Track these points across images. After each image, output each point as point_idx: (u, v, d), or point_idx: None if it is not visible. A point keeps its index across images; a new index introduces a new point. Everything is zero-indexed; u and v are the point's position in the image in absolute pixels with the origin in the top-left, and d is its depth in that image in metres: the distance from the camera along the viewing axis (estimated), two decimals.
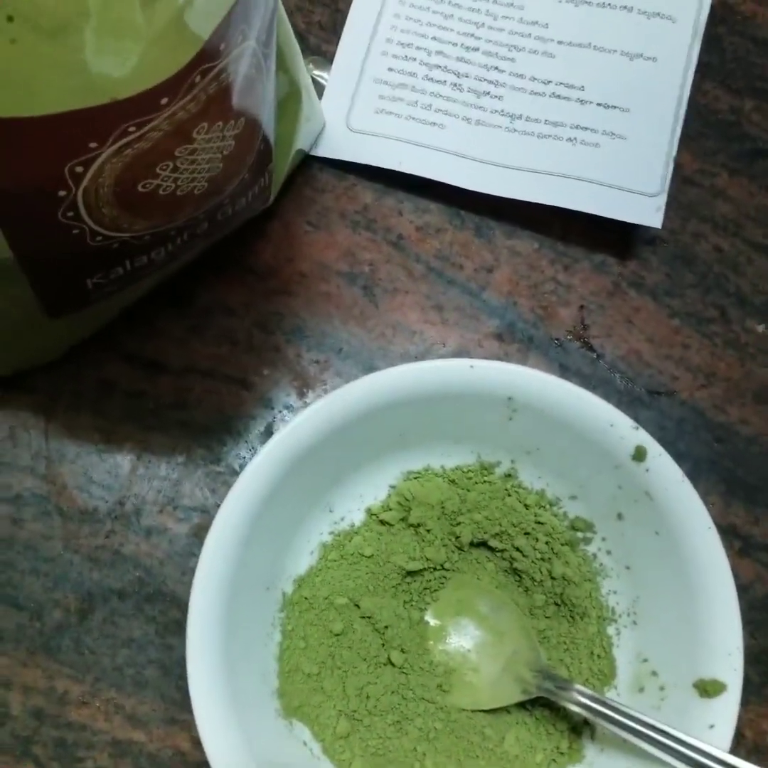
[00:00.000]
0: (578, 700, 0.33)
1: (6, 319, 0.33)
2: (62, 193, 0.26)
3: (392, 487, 0.38)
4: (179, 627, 0.37)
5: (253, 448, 0.40)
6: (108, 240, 0.30)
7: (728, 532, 0.40)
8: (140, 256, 0.33)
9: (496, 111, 0.44)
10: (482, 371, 0.35)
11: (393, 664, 0.35)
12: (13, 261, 0.29)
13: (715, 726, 0.32)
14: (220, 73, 0.26)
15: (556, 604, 0.36)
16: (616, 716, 0.32)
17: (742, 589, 0.39)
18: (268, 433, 0.40)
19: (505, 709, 0.35)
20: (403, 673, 0.35)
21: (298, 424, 0.34)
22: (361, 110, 0.44)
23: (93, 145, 0.24)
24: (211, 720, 0.31)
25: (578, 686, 0.33)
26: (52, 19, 0.20)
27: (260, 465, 0.33)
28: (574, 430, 0.35)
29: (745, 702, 0.38)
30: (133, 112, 0.24)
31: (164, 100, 0.24)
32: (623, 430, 0.34)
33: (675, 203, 0.45)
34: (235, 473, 0.39)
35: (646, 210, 0.42)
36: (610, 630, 0.36)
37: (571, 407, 0.34)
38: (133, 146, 0.25)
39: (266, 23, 0.29)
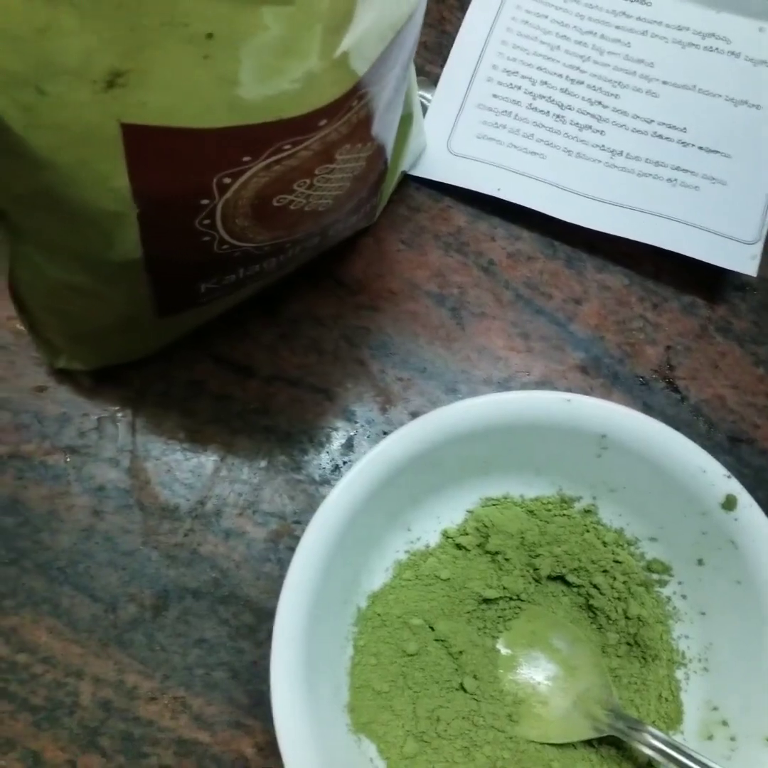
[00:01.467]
0: (650, 742, 0.33)
1: (115, 314, 0.34)
2: (205, 201, 0.26)
3: (469, 511, 0.38)
4: (251, 631, 0.38)
5: (333, 459, 0.40)
6: (232, 249, 0.30)
7: None
8: (254, 265, 0.33)
9: (597, 145, 0.44)
10: (579, 406, 0.35)
11: (465, 690, 0.35)
12: (140, 262, 0.29)
13: None
14: (373, 97, 0.26)
15: (628, 644, 0.36)
16: (689, 763, 0.32)
17: None
18: (349, 445, 0.41)
19: (572, 745, 0.35)
20: (474, 699, 0.35)
21: (391, 443, 0.34)
22: (462, 134, 0.44)
23: (247, 158, 0.25)
24: (289, 726, 0.31)
25: (651, 729, 0.33)
26: (246, 40, 0.20)
27: (352, 481, 0.34)
28: (664, 472, 0.35)
29: None
30: (293, 131, 0.24)
31: (323, 122, 0.25)
32: (715, 477, 0.34)
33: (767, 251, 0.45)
34: (314, 482, 0.40)
35: (741, 257, 0.42)
36: (679, 674, 0.36)
37: (664, 449, 0.34)
38: (282, 163, 0.26)
39: (410, 49, 0.29)
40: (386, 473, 0.34)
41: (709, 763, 0.32)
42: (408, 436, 0.34)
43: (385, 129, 0.31)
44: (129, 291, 0.31)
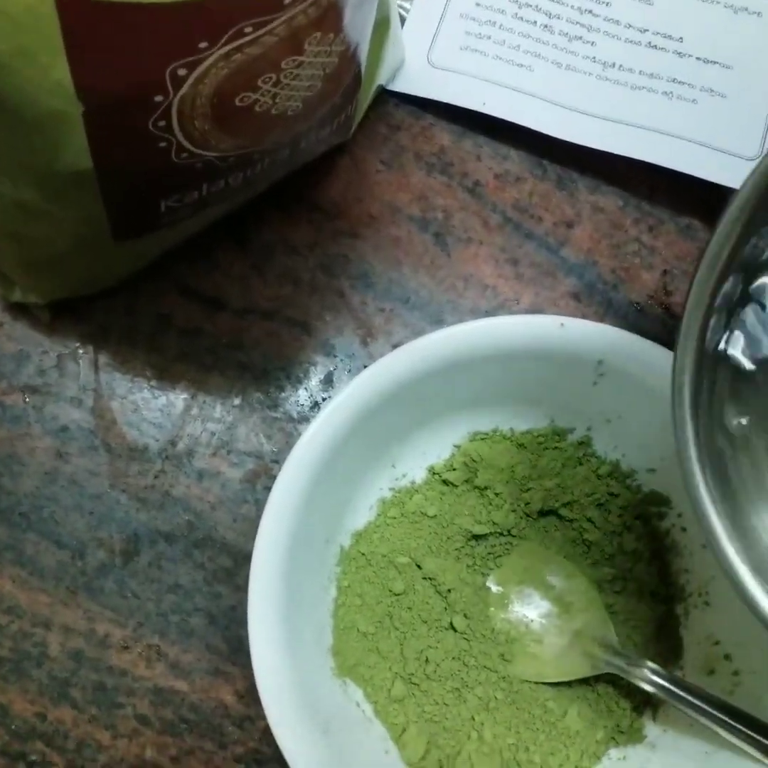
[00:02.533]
0: (650, 678, 0.31)
1: (69, 237, 0.31)
2: (159, 98, 0.24)
3: (457, 446, 0.36)
4: (229, 575, 0.36)
5: (312, 395, 0.38)
6: (192, 158, 0.27)
7: None
8: (218, 180, 0.30)
9: (587, 57, 0.41)
10: (574, 331, 0.32)
11: (455, 629, 0.34)
12: (91, 173, 0.26)
13: None
14: None
15: (624, 579, 0.35)
16: (691, 698, 0.30)
17: None
18: (329, 381, 0.38)
19: (568, 684, 0.34)
20: (465, 639, 0.34)
21: (372, 375, 0.32)
22: (444, 45, 0.41)
23: (204, 44, 0.22)
24: (269, 671, 0.30)
25: (651, 664, 0.32)
26: None
27: (331, 416, 0.31)
28: (665, 399, 0.33)
29: None
30: (255, 9, 0.21)
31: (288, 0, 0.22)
32: None
33: None
34: (292, 420, 0.37)
35: (742, 173, 0.39)
36: (679, 609, 0.35)
37: (666, 374, 0.32)
38: (243, 51, 0.23)
39: None
40: (367, 407, 0.32)
41: (712, 697, 0.30)
42: (390, 368, 0.32)
43: (358, 24, 0.28)
44: (82, 209, 0.29)
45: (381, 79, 0.38)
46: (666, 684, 0.31)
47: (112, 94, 0.23)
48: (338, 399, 0.31)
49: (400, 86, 0.41)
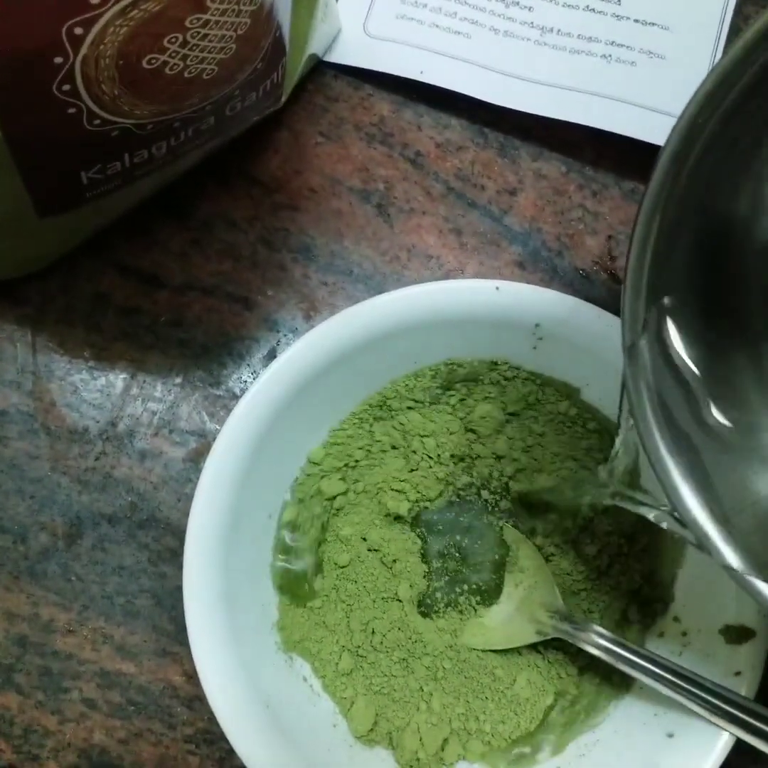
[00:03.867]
0: (597, 642, 0.31)
1: None
2: (59, 59, 0.23)
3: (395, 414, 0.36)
4: (173, 555, 0.35)
5: (255, 371, 0.37)
6: (107, 125, 0.27)
7: None
8: (140, 150, 0.30)
9: (525, 22, 0.41)
10: (509, 294, 0.32)
11: (400, 600, 0.33)
12: (2, 146, 0.26)
13: (741, 673, 0.30)
14: None
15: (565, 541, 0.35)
16: (638, 660, 0.30)
17: None
18: (272, 356, 0.38)
19: (517, 651, 0.33)
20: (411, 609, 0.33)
21: (304, 346, 0.32)
22: (380, 15, 0.41)
23: (95, 1, 0.21)
24: (209, 652, 0.29)
25: (597, 628, 0.31)
26: None
27: (263, 388, 0.31)
28: (604, 360, 0.33)
29: None
30: None
31: None
32: None
33: None
34: (236, 397, 0.37)
35: None
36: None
37: (603, 335, 0.32)
38: (140, 6, 0.22)
39: None
40: (301, 378, 0.32)
41: (659, 659, 0.30)
42: (323, 337, 0.32)
43: None
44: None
45: (314, 48, 0.38)
46: (611, 646, 0.31)
47: (10, 54, 0.22)
48: (271, 369, 0.31)
49: (337, 57, 0.40)
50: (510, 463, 0.34)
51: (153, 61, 0.25)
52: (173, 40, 0.25)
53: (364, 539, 0.34)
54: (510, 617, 0.33)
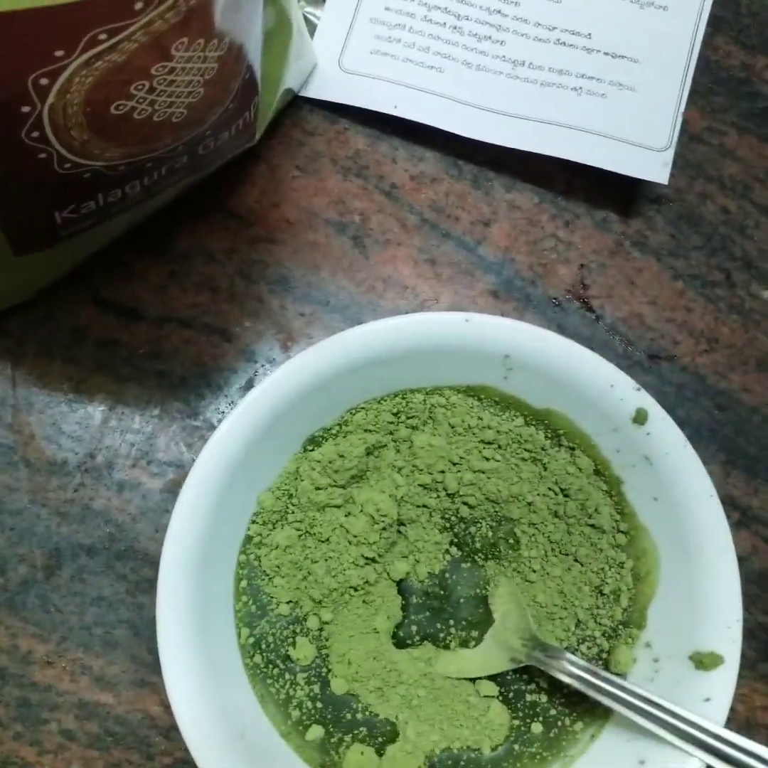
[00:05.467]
0: (569, 670, 0.31)
1: None
2: (26, 109, 0.24)
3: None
4: (151, 586, 0.36)
5: (232, 402, 0.38)
6: (78, 168, 0.27)
7: (726, 503, 0.38)
8: (114, 190, 0.31)
9: (497, 56, 0.41)
10: (478, 326, 0.33)
11: (376, 631, 0.33)
12: None
13: (710, 699, 0.30)
14: None
15: (547, 572, 0.35)
16: (609, 688, 0.30)
17: (739, 562, 0.38)
18: (249, 387, 0.38)
19: (491, 678, 0.34)
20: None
21: (280, 377, 0.32)
22: (355, 50, 0.42)
23: (60, 53, 0.22)
24: (181, 682, 0.29)
25: (569, 656, 0.32)
26: None
27: (239, 419, 0.31)
28: (572, 390, 0.33)
29: (738, 677, 0.37)
30: (105, 16, 0.21)
31: (139, 5, 0.22)
32: (624, 391, 0.33)
33: (682, 161, 0.43)
34: (213, 428, 0.37)
35: (653, 165, 0.40)
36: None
37: (570, 367, 0.33)
38: (104, 58, 0.23)
39: None
40: (277, 408, 0.32)
41: (630, 687, 0.31)
42: (298, 370, 0.32)
43: (238, 28, 0.28)
44: None
45: (288, 83, 0.38)
46: (583, 674, 0.31)
47: None
48: (247, 399, 0.31)
49: (313, 92, 0.41)
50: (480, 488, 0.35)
51: (121, 107, 0.26)
52: (140, 87, 0.25)
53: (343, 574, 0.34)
54: (483, 645, 0.34)
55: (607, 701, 0.31)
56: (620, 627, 0.34)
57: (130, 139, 0.28)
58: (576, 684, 0.31)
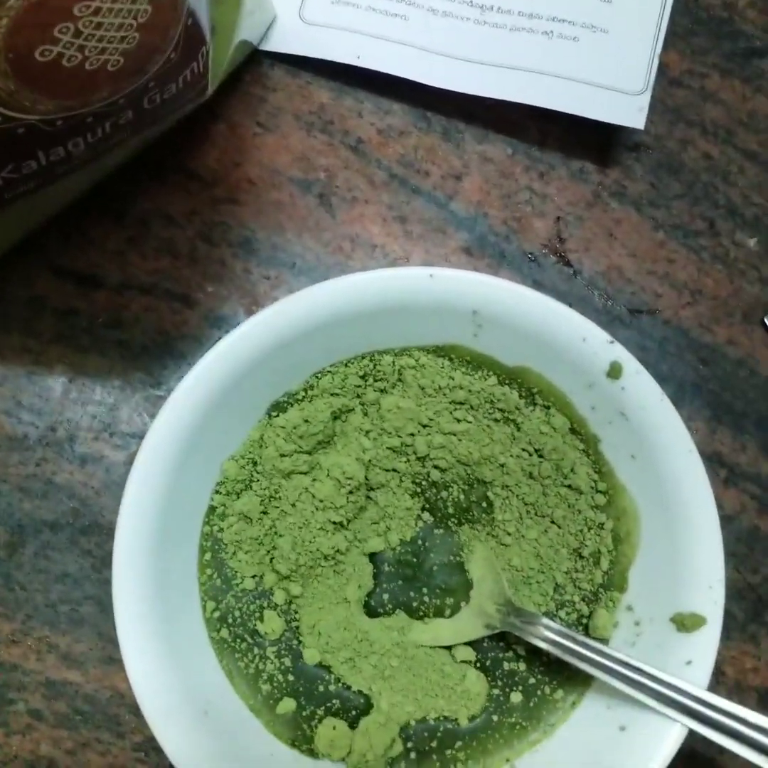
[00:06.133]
0: (546, 635, 0.30)
1: None
2: None
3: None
4: None
5: None
6: (10, 122, 0.26)
7: (713, 460, 0.37)
8: (55, 147, 0.29)
9: (464, 2, 0.39)
10: (444, 281, 0.31)
11: (347, 601, 0.32)
12: None
13: (692, 662, 0.29)
14: None
15: (522, 535, 0.34)
16: (587, 653, 0.29)
17: (727, 520, 0.37)
18: None
19: (466, 645, 0.32)
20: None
21: (239, 337, 0.31)
22: (315, 1, 0.40)
23: None
24: (141, 659, 0.28)
25: (545, 620, 0.30)
26: None
27: (195, 382, 0.30)
28: (544, 346, 0.32)
29: (727, 638, 0.36)
30: None
31: None
32: (597, 345, 0.31)
33: (661, 107, 0.41)
34: None
35: (628, 110, 0.38)
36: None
37: (541, 320, 0.31)
38: None
39: None
40: (235, 371, 0.31)
41: (608, 651, 0.29)
42: (255, 330, 0.31)
43: None
44: None
45: (244, 36, 0.37)
46: (560, 639, 0.30)
47: None
48: (203, 362, 0.30)
49: (273, 45, 0.39)
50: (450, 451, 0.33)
51: (46, 53, 0.24)
52: (64, 30, 0.24)
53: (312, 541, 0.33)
54: (458, 612, 0.33)
55: (585, 667, 0.29)
56: (600, 590, 0.33)
57: (62, 90, 0.26)
58: (553, 650, 0.30)
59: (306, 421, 0.32)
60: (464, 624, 0.32)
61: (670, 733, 0.29)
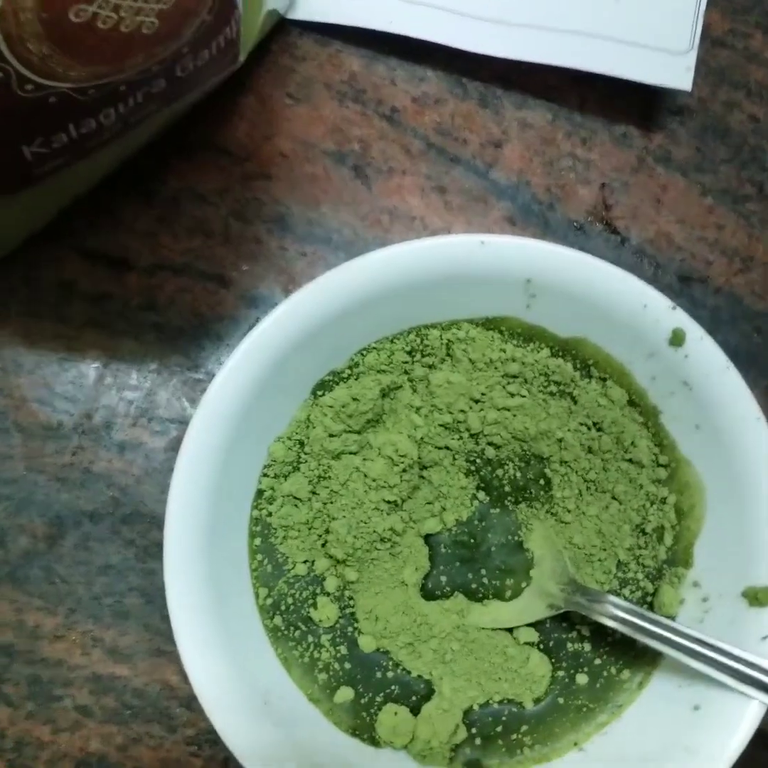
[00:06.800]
0: (613, 613, 0.29)
1: None
2: None
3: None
4: (161, 550, 0.33)
5: None
6: (42, 90, 0.25)
7: None
8: (87, 119, 0.28)
9: None
10: (496, 248, 0.30)
11: (404, 584, 0.31)
12: None
13: None
14: None
15: (582, 511, 0.32)
16: (657, 630, 0.28)
17: None
18: None
19: (529, 626, 0.31)
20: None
21: (280, 317, 0.29)
22: None
23: None
24: (198, 651, 0.27)
25: (612, 598, 0.29)
26: None
27: (238, 365, 0.29)
28: (601, 314, 0.30)
29: None
30: None
31: None
32: (659, 311, 0.30)
33: (704, 69, 0.39)
34: None
35: (674, 70, 0.37)
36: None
37: (599, 287, 0.30)
38: None
39: None
40: (279, 351, 0.29)
41: (680, 628, 0.28)
42: (298, 308, 0.30)
43: None
44: None
45: (273, 4, 0.35)
46: (629, 617, 0.29)
47: None
48: (245, 344, 0.29)
49: (301, 14, 0.38)
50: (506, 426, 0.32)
51: (81, 14, 0.23)
52: None
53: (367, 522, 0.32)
54: (519, 593, 0.31)
55: (656, 644, 0.28)
56: (665, 567, 0.32)
57: (96, 55, 0.25)
58: (622, 628, 0.29)
59: (355, 399, 0.31)
60: (526, 605, 0.31)
61: (748, 711, 0.28)
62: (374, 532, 0.30)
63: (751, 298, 0.37)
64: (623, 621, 0.29)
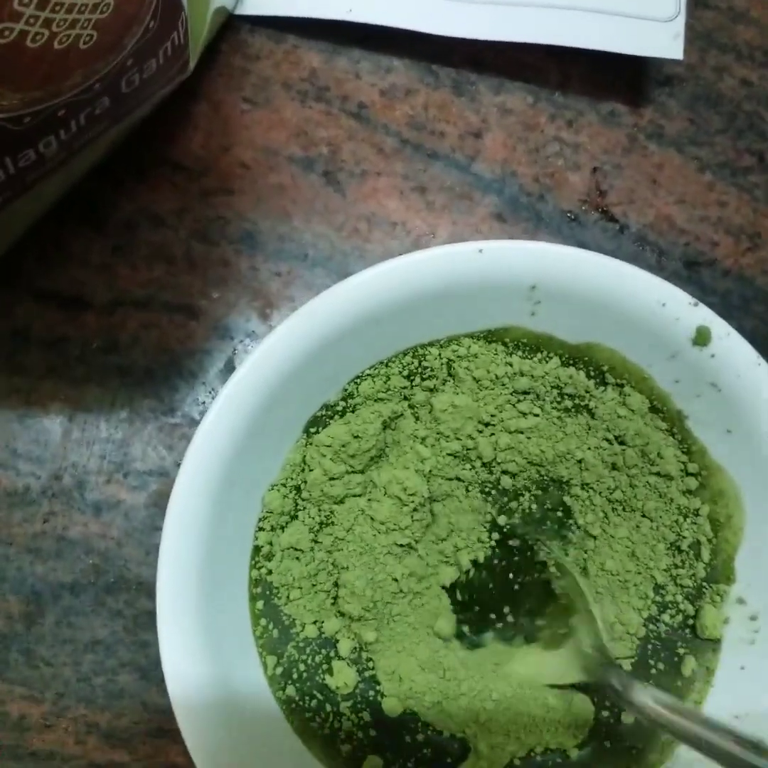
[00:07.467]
0: (647, 708, 0.24)
1: None
2: None
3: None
4: (152, 619, 0.30)
5: (213, 390, 0.32)
6: None
7: None
8: (25, 150, 0.24)
9: None
10: (496, 255, 0.27)
11: (428, 635, 0.28)
12: None
13: None
14: None
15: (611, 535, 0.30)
16: (694, 726, 0.23)
17: None
18: (230, 369, 0.32)
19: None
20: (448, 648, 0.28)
21: (264, 353, 0.26)
22: None
23: None
24: (204, 737, 0.24)
25: (647, 687, 0.25)
26: None
27: (224, 409, 0.26)
28: (615, 316, 0.27)
29: None
30: None
31: None
32: (679, 308, 0.27)
33: (689, 33, 0.36)
34: (195, 423, 0.32)
35: (662, 39, 0.34)
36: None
37: (612, 288, 0.27)
38: None
39: None
40: (268, 388, 0.26)
41: (722, 725, 0.22)
42: (284, 339, 0.26)
43: None
44: None
45: (220, 2, 0.32)
46: (666, 713, 0.24)
47: None
48: (228, 387, 0.26)
49: (250, 9, 0.34)
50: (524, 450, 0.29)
51: (6, 33, 0.19)
52: (26, 2, 0.19)
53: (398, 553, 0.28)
54: (552, 635, 0.29)
55: (693, 746, 0.23)
56: (705, 585, 0.29)
57: (29, 78, 0.21)
58: (655, 724, 0.24)
59: (355, 436, 0.28)
60: (570, 662, 0.28)
61: None
62: (393, 580, 0.27)
63: (763, 279, 0.35)
64: (658, 720, 0.24)
